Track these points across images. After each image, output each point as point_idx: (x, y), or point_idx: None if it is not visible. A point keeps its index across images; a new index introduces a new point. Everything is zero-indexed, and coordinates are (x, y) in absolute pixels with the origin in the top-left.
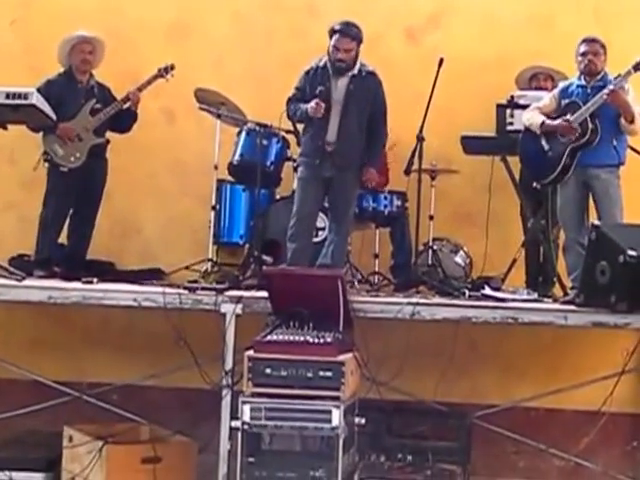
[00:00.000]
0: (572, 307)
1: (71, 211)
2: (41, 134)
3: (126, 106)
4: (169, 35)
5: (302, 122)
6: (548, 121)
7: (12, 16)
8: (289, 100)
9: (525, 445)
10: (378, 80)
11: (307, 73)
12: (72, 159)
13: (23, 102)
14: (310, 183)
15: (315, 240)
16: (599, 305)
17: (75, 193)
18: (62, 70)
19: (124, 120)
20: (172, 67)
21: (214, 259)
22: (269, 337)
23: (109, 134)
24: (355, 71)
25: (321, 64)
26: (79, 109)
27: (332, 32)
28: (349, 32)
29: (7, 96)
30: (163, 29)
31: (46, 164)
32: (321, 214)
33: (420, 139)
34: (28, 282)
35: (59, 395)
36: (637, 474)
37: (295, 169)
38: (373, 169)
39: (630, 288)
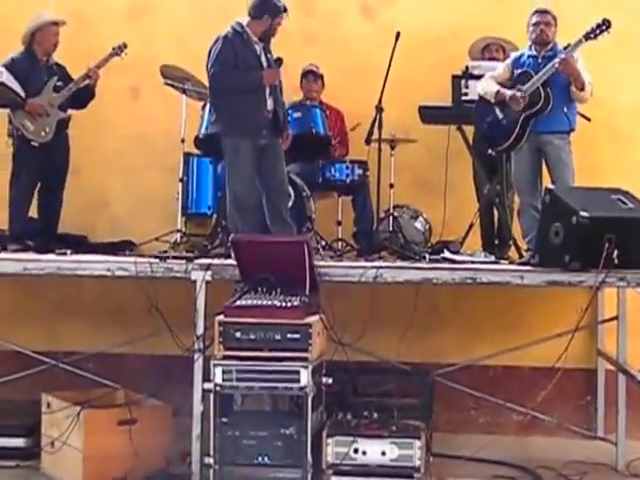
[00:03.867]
0: (528, 267)
1: (39, 186)
2: (9, 111)
3: (85, 83)
4: (130, 15)
5: (239, 92)
6: (502, 90)
7: None
8: (220, 70)
9: (484, 401)
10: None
11: (229, 40)
12: (42, 134)
13: None
14: (248, 155)
15: None
16: (554, 265)
17: (43, 167)
18: (23, 49)
19: (83, 97)
20: (125, 45)
21: (183, 230)
22: (238, 302)
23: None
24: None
25: (238, 29)
26: (42, 86)
27: (278, 10)
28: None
29: None
30: (124, 9)
31: (11, 140)
32: None
33: (379, 110)
34: (3, 255)
35: (35, 364)
36: (590, 426)
37: None
38: (289, 131)
39: (583, 247)
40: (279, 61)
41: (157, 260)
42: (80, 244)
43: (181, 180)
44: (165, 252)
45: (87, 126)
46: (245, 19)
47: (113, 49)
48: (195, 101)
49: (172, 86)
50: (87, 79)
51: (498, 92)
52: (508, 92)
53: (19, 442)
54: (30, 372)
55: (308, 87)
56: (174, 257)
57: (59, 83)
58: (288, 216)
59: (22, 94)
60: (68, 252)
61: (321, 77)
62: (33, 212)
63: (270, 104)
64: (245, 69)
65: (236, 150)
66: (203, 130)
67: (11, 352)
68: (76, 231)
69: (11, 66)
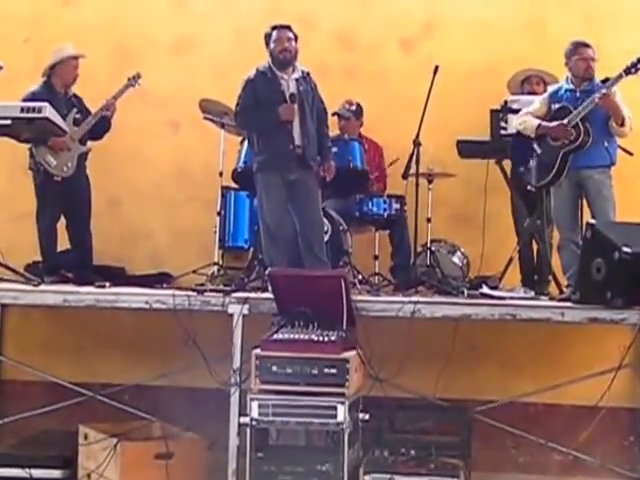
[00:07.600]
0: (569, 303)
1: (65, 219)
2: (30, 146)
3: (102, 115)
4: (172, 50)
5: (263, 130)
6: (544, 123)
7: (24, 35)
8: (241, 112)
9: (524, 439)
10: (314, 79)
11: (252, 81)
12: (65, 168)
13: (37, 115)
14: (278, 189)
15: None
16: (595, 301)
17: (66, 201)
18: (42, 81)
19: (100, 129)
20: (139, 76)
21: (220, 263)
22: (275, 336)
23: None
24: (297, 74)
25: (262, 69)
26: (63, 120)
27: (269, 35)
28: (283, 25)
29: (22, 110)
30: (166, 44)
31: (32, 173)
32: None
33: (417, 144)
34: (43, 287)
35: (73, 396)
36: (634, 467)
37: None
38: (332, 162)
39: (625, 284)
40: (293, 97)
41: (194, 293)
42: (118, 276)
43: (218, 213)
44: (202, 285)
45: (128, 159)
46: None
47: (128, 79)
48: (233, 135)
49: (211, 120)
50: (105, 111)
51: (539, 126)
52: (552, 123)
53: (56, 473)
54: (67, 403)
55: (342, 127)
56: (211, 290)
57: (77, 115)
58: (322, 251)
59: (66, 129)
60: (107, 284)
61: (356, 113)
62: (67, 243)
63: (298, 139)
64: (269, 106)
65: (266, 184)
66: (240, 164)
67: (48, 383)
68: (115, 262)
69: (32, 99)
